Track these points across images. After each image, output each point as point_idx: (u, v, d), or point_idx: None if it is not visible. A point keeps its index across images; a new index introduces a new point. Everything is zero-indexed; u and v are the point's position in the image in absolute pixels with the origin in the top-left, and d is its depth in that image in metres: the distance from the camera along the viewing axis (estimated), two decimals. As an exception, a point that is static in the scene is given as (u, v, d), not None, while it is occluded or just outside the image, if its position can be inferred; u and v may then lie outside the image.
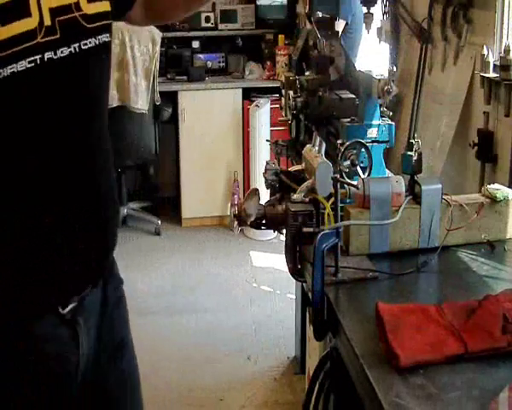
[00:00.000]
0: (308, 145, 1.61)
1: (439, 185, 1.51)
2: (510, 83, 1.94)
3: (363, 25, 2.63)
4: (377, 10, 2.83)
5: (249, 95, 4.63)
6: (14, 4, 0.87)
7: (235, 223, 1.55)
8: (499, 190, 1.56)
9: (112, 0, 1.05)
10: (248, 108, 4.51)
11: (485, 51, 2.08)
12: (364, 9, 2.56)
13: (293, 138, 2.37)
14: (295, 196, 1.46)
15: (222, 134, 4.57)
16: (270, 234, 4.40)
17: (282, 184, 1.60)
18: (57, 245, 1.02)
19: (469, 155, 2.23)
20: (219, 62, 4.84)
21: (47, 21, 0.92)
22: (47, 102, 0.95)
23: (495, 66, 2.04)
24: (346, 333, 1.20)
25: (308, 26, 2.51)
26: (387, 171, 1.89)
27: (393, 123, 1.86)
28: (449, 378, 1.04)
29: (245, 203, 1.53)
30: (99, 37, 1.01)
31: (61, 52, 0.94)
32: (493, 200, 1.55)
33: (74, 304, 1.07)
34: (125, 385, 1.23)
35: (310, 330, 2.44)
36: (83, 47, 0.97)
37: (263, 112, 4.39)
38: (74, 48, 0.96)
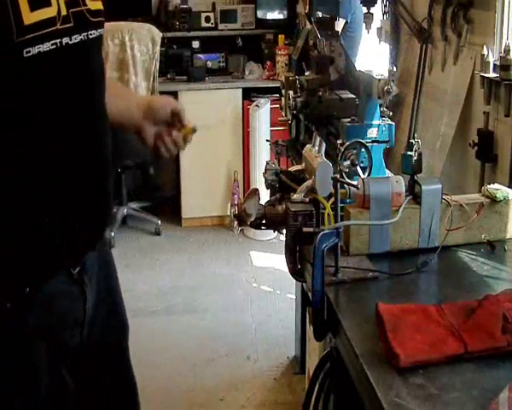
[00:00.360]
0: (308, 145, 1.61)
1: (439, 185, 1.51)
2: (510, 83, 1.94)
3: (363, 24, 2.63)
4: (377, 10, 2.83)
5: (249, 95, 4.63)
6: None
7: (235, 223, 1.55)
8: (499, 190, 1.56)
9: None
10: (248, 108, 4.51)
11: (485, 51, 2.08)
12: (364, 9, 2.56)
13: (293, 138, 2.38)
14: (295, 196, 1.46)
15: (222, 134, 4.57)
16: (270, 234, 4.40)
17: (282, 184, 1.60)
18: (70, 211, 1.16)
19: (469, 155, 2.23)
20: (219, 62, 4.84)
21: (63, 11, 1.06)
22: (64, 80, 1.10)
23: (495, 66, 2.04)
24: (346, 333, 1.20)
25: (308, 26, 2.52)
26: (387, 171, 1.89)
27: (393, 123, 1.86)
28: (449, 378, 1.04)
29: (245, 203, 1.53)
30: (99, 29, 1.17)
31: (75, 38, 1.09)
32: (493, 200, 1.55)
33: (80, 265, 1.23)
34: (120, 337, 1.44)
35: (310, 330, 2.44)
36: (89, 36, 1.13)
37: (263, 112, 4.39)
38: (83, 36, 1.11)
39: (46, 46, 1.03)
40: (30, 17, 1.00)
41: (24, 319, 1.15)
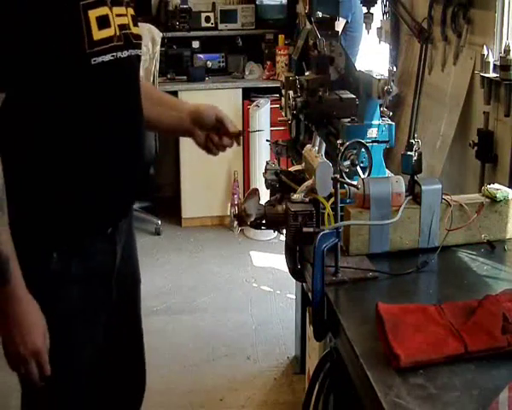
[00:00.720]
0: (308, 145, 1.62)
1: (439, 185, 1.51)
2: (510, 83, 1.94)
3: (363, 23, 2.63)
4: (377, 10, 2.83)
5: (249, 95, 4.62)
6: (104, 19, 1.37)
7: (235, 223, 1.55)
8: (499, 190, 1.56)
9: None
10: (248, 108, 4.50)
11: (485, 51, 2.08)
12: (364, 9, 2.56)
13: (293, 138, 2.37)
14: (295, 196, 1.46)
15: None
16: (270, 234, 4.40)
17: (282, 184, 1.60)
18: (113, 177, 1.46)
19: (469, 155, 2.23)
20: (219, 62, 4.83)
21: (118, 32, 1.40)
22: (117, 82, 1.44)
23: (495, 66, 2.04)
24: (346, 333, 1.20)
25: (308, 26, 2.51)
26: (387, 171, 1.89)
27: (393, 123, 1.86)
28: (449, 378, 1.05)
29: (245, 203, 1.53)
30: (137, 50, 1.50)
31: (124, 53, 1.42)
32: (493, 200, 1.55)
33: (114, 226, 1.52)
34: (135, 288, 1.75)
35: (310, 330, 2.44)
36: (132, 54, 1.46)
37: (263, 112, 4.39)
38: (130, 52, 1.45)
39: (107, 57, 1.37)
40: (97, 35, 1.34)
41: (67, 266, 1.43)
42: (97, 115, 1.41)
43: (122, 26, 1.42)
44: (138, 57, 1.52)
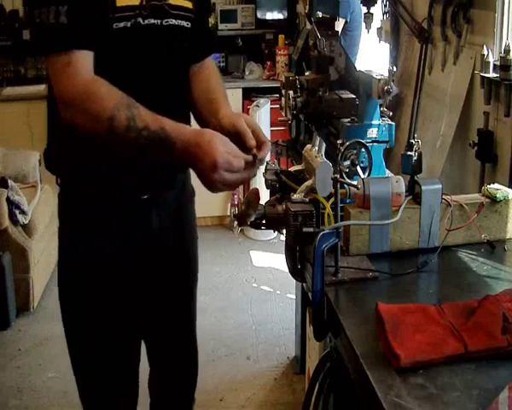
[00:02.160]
0: (308, 145, 1.61)
1: (439, 185, 1.51)
2: (510, 83, 1.94)
3: (363, 23, 2.63)
4: (377, 10, 2.83)
5: (249, 95, 4.63)
6: None
7: (235, 223, 1.55)
8: (499, 190, 1.56)
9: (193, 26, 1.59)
10: (248, 108, 4.50)
11: (485, 51, 2.08)
12: (364, 9, 2.56)
13: (293, 138, 2.37)
14: (295, 196, 1.45)
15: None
16: (270, 234, 4.40)
17: (282, 184, 1.59)
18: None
19: (469, 155, 2.23)
20: (219, 62, 4.84)
21: (144, 2, 1.45)
22: (138, 46, 1.48)
23: (495, 66, 2.04)
24: (346, 333, 1.20)
25: (308, 26, 2.51)
26: (387, 171, 1.89)
27: (393, 123, 1.86)
28: (449, 378, 1.04)
29: (245, 203, 1.52)
30: (178, 20, 1.53)
31: (149, 21, 1.46)
32: (493, 200, 1.55)
33: (149, 195, 1.58)
34: (184, 270, 1.79)
35: (310, 330, 2.44)
36: (164, 23, 1.50)
37: (263, 112, 4.39)
38: (157, 21, 1.48)
39: (128, 23, 1.43)
40: (121, 1, 1.42)
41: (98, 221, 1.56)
42: (121, 79, 1.43)
43: None
44: (177, 27, 1.53)
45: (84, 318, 1.62)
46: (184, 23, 1.55)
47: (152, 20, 1.47)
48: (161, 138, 1.37)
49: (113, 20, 1.42)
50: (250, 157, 1.41)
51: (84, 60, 1.41)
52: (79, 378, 1.69)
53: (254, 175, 1.45)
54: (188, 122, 1.64)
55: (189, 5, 1.57)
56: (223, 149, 1.35)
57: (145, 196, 1.59)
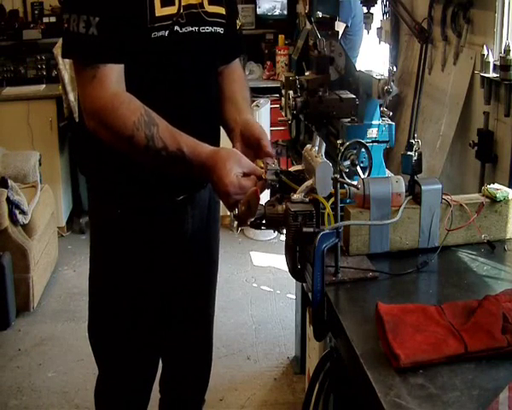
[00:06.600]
0: (308, 145, 1.61)
1: (439, 185, 1.51)
2: (510, 83, 1.94)
3: (363, 25, 2.63)
4: (377, 10, 2.83)
5: (249, 95, 4.62)
6: None
7: (235, 223, 1.55)
8: (499, 190, 1.56)
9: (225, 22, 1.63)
10: (248, 108, 4.50)
11: (485, 51, 2.08)
12: (364, 9, 2.56)
13: (293, 138, 2.37)
14: (295, 196, 1.45)
15: (222, 134, 4.55)
16: (270, 234, 4.40)
17: (282, 184, 1.59)
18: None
19: (469, 155, 2.23)
20: (219, 62, 4.83)
21: (181, 11, 1.49)
22: (177, 57, 1.53)
23: (495, 66, 2.04)
24: (346, 333, 1.20)
25: (308, 26, 2.51)
26: (387, 171, 1.89)
27: (393, 123, 1.86)
28: (449, 378, 1.04)
29: (245, 203, 1.52)
30: (214, 27, 1.58)
31: (186, 29, 1.50)
32: (493, 200, 1.55)
33: (185, 196, 1.65)
34: (209, 251, 1.85)
35: (310, 330, 2.44)
36: (201, 31, 1.54)
37: (263, 112, 4.39)
38: (195, 29, 1.53)
39: (166, 32, 1.46)
40: (160, 11, 1.45)
41: (133, 224, 1.62)
42: (157, 86, 1.50)
43: (188, 6, 1.51)
44: (213, 34, 1.58)
45: (114, 305, 1.68)
46: (219, 29, 1.60)
47: (189, 28, 1.52)
48: (179, 159, 1.43)
49: (153, 29, 1.45)
50: (262, 171, 1.49)
51: (111, 73, 1.42)
52: (103, 355, 1.77)
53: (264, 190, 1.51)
54: (217, 124, 1.72)
55: (223, 11, 1.61)
56: (236, 170, 1.42)
57: (181, 197, 1.64)
